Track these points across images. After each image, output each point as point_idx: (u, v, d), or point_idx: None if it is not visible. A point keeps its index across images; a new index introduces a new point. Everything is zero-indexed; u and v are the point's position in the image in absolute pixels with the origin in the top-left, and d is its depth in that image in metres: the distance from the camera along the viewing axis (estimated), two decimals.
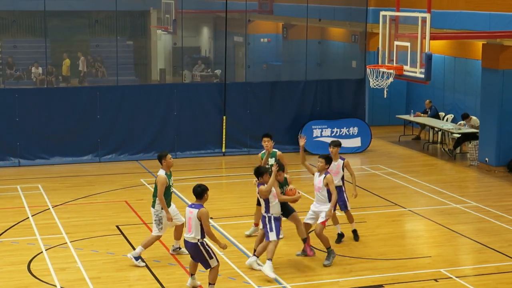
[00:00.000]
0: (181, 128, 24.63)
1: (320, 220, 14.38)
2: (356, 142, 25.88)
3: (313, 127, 25.56)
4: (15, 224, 17.29)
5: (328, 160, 14.77)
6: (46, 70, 24.99)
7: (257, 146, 24.40)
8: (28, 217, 17.84)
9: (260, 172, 14.04)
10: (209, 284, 12.94)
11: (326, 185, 14.37)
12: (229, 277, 13.96)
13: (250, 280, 13.78)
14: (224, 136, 24.89)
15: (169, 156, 14.66)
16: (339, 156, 16.11)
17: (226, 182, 22.17)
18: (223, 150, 25.05)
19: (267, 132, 16.70)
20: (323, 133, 25.62)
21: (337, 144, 16.20)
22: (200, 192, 12.76)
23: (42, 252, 15.33)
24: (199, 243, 12.67)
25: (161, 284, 13.68)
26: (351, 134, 25.89)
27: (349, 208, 16.07)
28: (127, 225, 17.07)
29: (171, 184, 14.60)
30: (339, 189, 15.68)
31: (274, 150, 16.21)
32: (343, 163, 16.01)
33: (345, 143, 25.63)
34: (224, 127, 24.92)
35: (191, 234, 12.66)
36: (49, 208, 18.62)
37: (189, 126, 24.68)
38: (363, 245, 15.75)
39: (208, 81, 26.91)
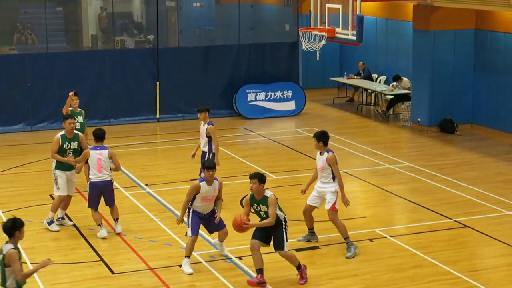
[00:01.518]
0: (114, 95, 24.36)
1: (328, 206, 13.48)
2: (290, 106, 25.94)
3: (247, 91, 25.53)
4: None
5: (321, 137, 13.57)
6: None
7: (191, 111, 24.33)
8: None
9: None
10: (116, 219, 14.44)
11: (329, 164, 13.42)
12: (165, 243, 13.96)
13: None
14: (158, 102, 24.71)
15: (68, 120, 14.71)
16: (208, 120, 15.90)
17: (161, 148, 22.05)
18: (157, 116, 24.88)
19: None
20: (257, 97, 25.61)
21: (201, 110, 15.94)
22: (101, 135, 14.35)
23: None
24: (112, 180, 14.20)
25: (96, 252, 13.60)
26: (285, 97, 25.94)
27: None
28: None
29: (66, 148, 14.54)
30: (204, 154, 15.80)
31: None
32: (208, 128, 15.79)
33: (280, 106, 25.77)
34: (157, 93, 24.73)
35: (103, 174, 14.03)
36: None
37: (122, 92, 24.43)
38: (300, 208, 15.78)
39: (141, 46, 26.61)
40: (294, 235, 14.13)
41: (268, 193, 11.96)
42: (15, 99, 23.27)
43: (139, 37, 27.51)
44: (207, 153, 15.80)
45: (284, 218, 12.15)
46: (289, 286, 12.23)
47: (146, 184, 17.71)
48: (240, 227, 11.95)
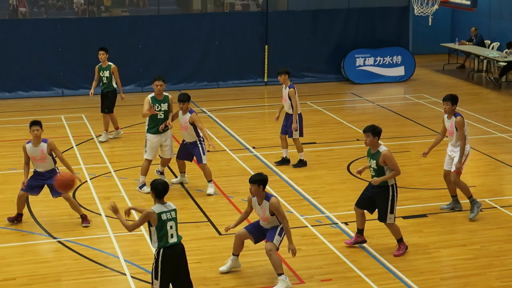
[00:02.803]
0: (223, 58, 24.53)
1: (453, 168, 13.37)
2: (399, 71, 25.57)
3: (356, 56, 25.28)
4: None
5: (454, 100, 13.39)
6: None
7: (299, 75, 24.30)
8: (73, 147, 18.01)
9: None
10: (209, 181, 14.62)
11: (456, 128, 13.31)
12: None
13: (292, 209, 13.84)
14: (266, 66, 24.75)
15: (156, 82, 14.85)
16: (289, 83, 16.00)
17: (268, 111, 22.09)
18: (265, 79, 24.94)
19: None
20: (366, 62, 25.35)
21: (280, 73, 16.05)
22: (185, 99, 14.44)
23: (86, 181, 15.50)
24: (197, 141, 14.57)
25: (204, 213, 13.79)
26: (394, 63, 25.57)
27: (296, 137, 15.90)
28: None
29: (157, 109, 14.68)
30: (288, 116, 15.94)
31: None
32: (289, 92, 15.91)
33: (388, 72, 25.43)
34: (266, 56, 24.75)
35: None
36: (92, 138, 18.77)
37: (231, 55, 24.57)
38: (407, 175, 15.65)
39: (250, 10, 26.67)
40: (400, 203, 13.98)
41: (382, 147, 11.88)
42: (126, 60, 23.67)
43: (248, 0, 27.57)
44: (292, 115, 15.83)
45: (393, 186, 11.95)
46: (389, 254, 12.12)
47: (253, 147, 17.81)
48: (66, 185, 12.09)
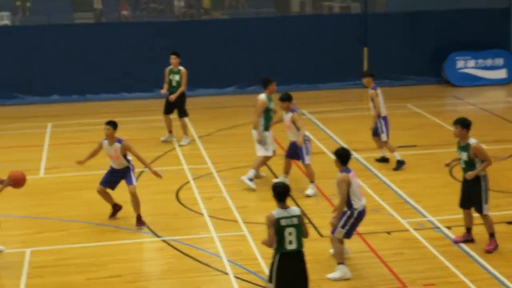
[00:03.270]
0: (321, 60, 24.55)
1: None
2: (501, 74, 25.14)
3: (456, 58, 24.96)
4: (163, 154, 17.80)
5: None
6: (188, 2, 25.33)
7: (398, 77, 24.14)
8: (175, 147, 18.32)
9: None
10: (311, 182, 14.81)
11: None
12: (373, 209, 13.96)
13: (394, 212, 13.79)
14: (365, 67, 24.66)
15: (274, 83, 15.28)
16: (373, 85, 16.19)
17: (367, 114, 21.95)
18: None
19: None
20: (467, 64, 24.99)
21: (366, 75, 16.39)
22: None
23: (189, 181, 15.75)
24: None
25: (305, 215, 13.82)
26: (496, 65, 25.15)
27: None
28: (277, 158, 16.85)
29: (271, 107, 15.10)
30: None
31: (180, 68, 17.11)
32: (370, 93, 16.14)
33: (490, 74, 25.02)
34: (365, 58, 24.66)
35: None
36: (194, 139, 19.05)
37: (329, 57, 24.57)
38: (511, 180, 15.39)
39: (348, 12, 26.66)
40: (504, 208, 13.80)
41: (471, 140, 11.99)
42: (227, 62, 23.95)
43: (347, 2, 27.57)
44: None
45: (484, 176, 11.97)
46: (495, 259, 11.93)
47: (354, 150, 17.75)
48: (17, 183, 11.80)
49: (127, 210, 13.99)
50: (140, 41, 23.88)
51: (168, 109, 18.69)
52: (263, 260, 11.80)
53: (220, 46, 23.97)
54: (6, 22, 26.07)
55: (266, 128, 15.26)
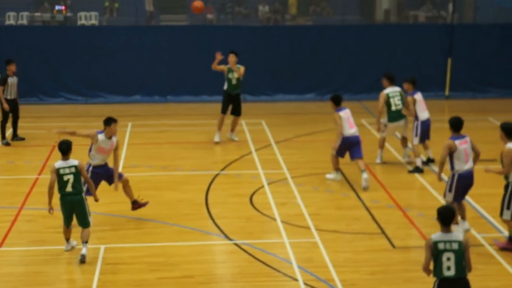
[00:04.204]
0: (404, 69, 24.32)
1: None
2: None
3: None
4: (240, 158, 17.92)
5: None
6: (273, 8, 25.46)
7: (483, 90, 23.80)
8: (251, 152, 18.41)
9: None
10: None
11: None
12: None
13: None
14: (448, 79, 24.36)
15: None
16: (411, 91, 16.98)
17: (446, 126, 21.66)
18: (446, 93, 24.53)
19: None
20: None
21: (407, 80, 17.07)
22: None
23: (263, 186, 15.81)
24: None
25: (378, 225, 13.74)
26: None
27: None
28: (346, 164, 16.63)
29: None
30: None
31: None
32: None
33: None
34: (449, 69, 24.36)
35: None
36: (271, 144, 19.12)
37: (413, 67, 24.35)
38: None
39: (434, 22, 26.41)
40: None
41: (509, 144, 12.30)
42: (308, 69, 23.98)
43: (433, 12, 27.32)
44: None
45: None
46: None
47: (430, 161, 17.53)
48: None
49: (201, 211, 14.14)
50: (223, 44, 24.06)
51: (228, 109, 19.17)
52: (333, 268, 11.77)
53: (304, 52, 24.00)
54: (94, 22, 26.65)
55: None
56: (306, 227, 13.56)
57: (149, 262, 12.10)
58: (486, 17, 25.49)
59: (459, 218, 12.93)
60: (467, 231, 12.91)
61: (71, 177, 11.97)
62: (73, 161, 12.05)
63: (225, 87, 19.03)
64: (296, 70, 24.02)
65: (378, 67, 24.01)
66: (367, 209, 14.49)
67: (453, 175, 12.74)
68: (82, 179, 12.23)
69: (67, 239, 12.46)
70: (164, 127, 21.13)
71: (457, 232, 9.27)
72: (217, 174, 16.37)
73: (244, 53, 23.76)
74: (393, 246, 12.80)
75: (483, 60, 24.41)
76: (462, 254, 9.02)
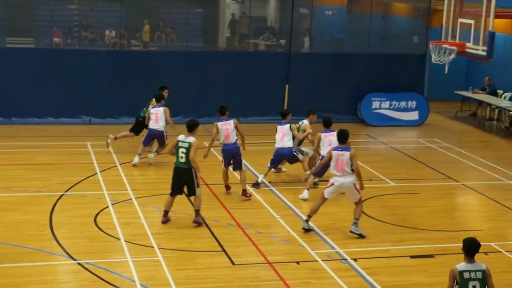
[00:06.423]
0: (245, 95, 25.24)
1: None
2: (413, 116, 26.28)
3: (372, 99, 25.99)
4: (84, 179, 18.11)
5: None
6: (120, 33, 25.72)
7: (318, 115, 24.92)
8: (96, 173, 18.64)
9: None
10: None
11: None
12: (284, 240, 14.55)
13: (304, 243, 14.38)
14: (286, 104, 25.39)
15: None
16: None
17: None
18: None
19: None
20: (382, 105, 26.06)
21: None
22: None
23: (108, 206, 16.10)
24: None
25: (219, 243, 14.31)
26: (409, 107, 26.25)
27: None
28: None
29: None
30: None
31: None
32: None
33: (403, 116, 26.14)
34: (286, 95, 25.44)
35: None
36: (116, 165, 19.40)
37: (253, 93, 25.31)
38: (416, 216, 16.18)
39: (273, 50, 27.46)
40: (408, 243, 14.55)
41: None
42: (152, 92, 24.39)
43: (272, 41, 28.33)
44: None
45: None
46: None
47: (270, 182, 18.38)
48: None
49: (45, 232, 14.30)
50: (71, 68, 24.14)
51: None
52: (175, 286, 12.22)
53: (148, 76, 24.29)
54: None
55: None
56: (149, 246, 13.94)
57: None
58: (321, 47, 26.75)
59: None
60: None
61: None
62: None
63: None
64: (140, 92, 24.23)
65: (220, 92, 24.78)
66: (208, 227, 15.04)
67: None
68: None
69: None
70: (8, 149, 20.97)
71: (479, 262, 9.73)
72: (62, 195, 16.54)
73: (90, 76, 24.08)
74: (233, 263, 13.38)
75: (317, 86, 25.61)
76: (485, 282, 9.59)
